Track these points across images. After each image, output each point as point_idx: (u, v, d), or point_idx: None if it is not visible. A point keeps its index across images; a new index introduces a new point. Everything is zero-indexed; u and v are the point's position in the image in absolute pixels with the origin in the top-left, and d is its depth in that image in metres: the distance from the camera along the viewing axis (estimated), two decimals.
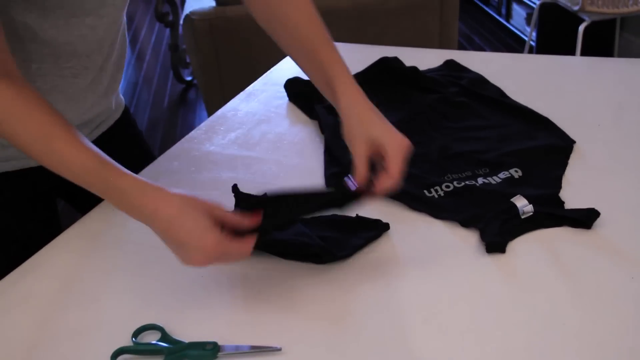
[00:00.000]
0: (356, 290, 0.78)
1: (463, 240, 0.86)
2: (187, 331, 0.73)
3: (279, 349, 0.69)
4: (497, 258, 0.82)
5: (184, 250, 0.71)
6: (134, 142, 1.19)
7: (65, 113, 0.91)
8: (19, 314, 0.78)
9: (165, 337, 0.72)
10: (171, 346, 0.71)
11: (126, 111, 1.14)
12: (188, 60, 3.58)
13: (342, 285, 0.79)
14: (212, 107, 2.35)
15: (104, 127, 1.07)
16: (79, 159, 0.73)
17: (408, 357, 0.68)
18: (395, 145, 0.77)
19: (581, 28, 3.01)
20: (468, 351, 0.68)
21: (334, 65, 0.84)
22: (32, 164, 0.93)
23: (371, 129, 0.79)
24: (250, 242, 0.73)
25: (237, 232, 0.73)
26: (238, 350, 0.70)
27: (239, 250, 0.73)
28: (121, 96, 1.12)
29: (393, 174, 0.77)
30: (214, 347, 0.70)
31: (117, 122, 1.11)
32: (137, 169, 1.01)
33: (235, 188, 0.89)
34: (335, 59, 0.85)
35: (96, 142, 1.03)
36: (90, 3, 0.84)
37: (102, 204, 0.99)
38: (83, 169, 0.74)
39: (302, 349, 0.70)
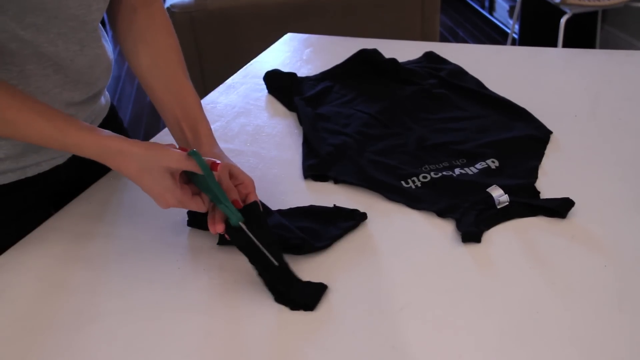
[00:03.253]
0: (334, 280, 0.78)
1: (439, 230, 0.86)
2: (164, 318, 0.73)
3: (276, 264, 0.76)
4: (473, 247, 0.83)
5: (151, 196, 0.79)
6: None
7: None
8: None
9: None
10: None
11: (112, 107, 1.13)
12: None
13: (320, 275, 0.79)
14: None
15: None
16: (35, 129, 0.77)
17: (385, 345, 0.68)
18: (250, 181, 0.84)
19: (563, 20, 3.03)
20: (443, 339, 0.69)
21: (197, 105, 0.92)
22: (29, 173, 0.92)
23: (230, 165, 0.85)
24: (206, 202, 0.80)
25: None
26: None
27: (196, 207, 0.80)
28: (106, 92, 1.11)
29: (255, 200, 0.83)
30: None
31: (104, 120, 1.10)
32: None
33: None
34: (196, 99, 0.93)
35: None
36: (76, 8, 0.83)
37: (77, 199, 0.98)
38: (41, 138, 0.78)
39: (280, 339, 0.70)
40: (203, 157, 0.77)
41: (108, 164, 0.78)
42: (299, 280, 0.78)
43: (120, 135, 0.79)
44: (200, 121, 0.91)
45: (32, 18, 0.79)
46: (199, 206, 0.80)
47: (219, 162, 0.79)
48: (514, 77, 1.31)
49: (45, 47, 0.83)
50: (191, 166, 0.76)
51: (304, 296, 0.75)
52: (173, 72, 0.93)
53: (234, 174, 0.84)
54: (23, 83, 0.84)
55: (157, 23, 0.95)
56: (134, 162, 0.77)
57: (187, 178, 0.81)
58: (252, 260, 0.78)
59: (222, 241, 0.85)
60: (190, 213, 0.90)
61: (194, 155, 0.76)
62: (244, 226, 0.77)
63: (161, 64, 0.93)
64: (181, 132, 0.91)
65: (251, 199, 0.82)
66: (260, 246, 0.76)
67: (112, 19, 0.96)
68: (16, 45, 0.80)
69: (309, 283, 0.77)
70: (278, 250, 0.78)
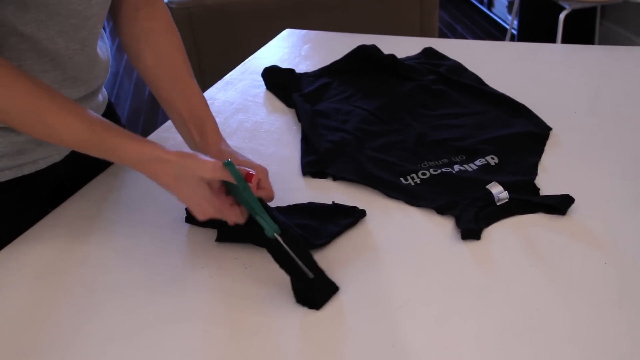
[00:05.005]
0: (333, 277, 0.77)
1: (439, 227, 0.86)
2: (159, 320, 0.73)
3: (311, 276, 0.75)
4: (473, 245, 0.82)
5: (189, 205, 0.79)
6: None
7: None
8: None
9: None
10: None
11: (109, 104, 1.12)
12: None
13: None
14: None
15: None
16: (73, 132, 0.76)
17: (384, 343, 0.68)
18: (262, 171, 0.84)
19: (562, 16, 3.02)
20: (443, 336, 0.69)
21: (203, 105, 0.92)
22: (26, 171, 0.91)
23: (239, 160, 0.86)
24: (244, 213, 0.79)
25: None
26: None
27: (234, 218, 0.78)
28: (104, 89, 1.10)
29: (269, 189, 0.84)
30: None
31: (102, 116, 1.09)
32: None
33: None
34: (202, 99, 0.93)
35: None
36: (77, 3, 0.82)
37: (74, 197, 0.98)
38: (78, 142, 0.77)
39: (278, 336, 0.70)
40: (237, 167, 0.76)
41: (144, 171, 0.78)
42: (332, 284, 0.77)
43: (156, 143, 0.78)
44: (206, 119, 0.90)
45: (34, 14, 0.78)
46: (237, 216, 0.79)
47: (253, 172, 0.78)
48: (514, 73, 1.30)
49: (45, 43, 0.82)
50: (225, 176, 0.76)
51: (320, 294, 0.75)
52: (177, 73, 0.93)
53: (242, 163, 0.84)
54: None
55: (159, 23, 0.95)
56: (171, 170, 0.76)
57: (228, 189, 0.80)
58: (287, 271, 0.76)
59: (220, 238, 0.85)
60: (188, 209, 0.89)
61: (228, 165, 0.75)
62: (279, 238, 0.75)
63: (165, 64, 0.93)
64: (188, 132, 0.91)
65: (263, 185, 0.82)
66: (296, 258, 0.75)
67: (115, 19, 0.96)
68: (15, 40, 0.80)
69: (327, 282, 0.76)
70: (313, 262, 0.77)
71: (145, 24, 0.94)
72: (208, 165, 0.76)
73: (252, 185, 0.78)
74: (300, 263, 0.75)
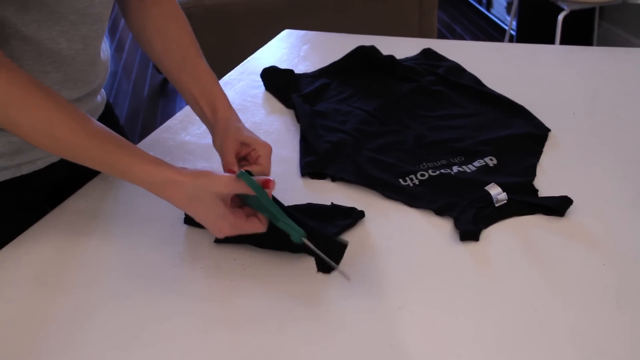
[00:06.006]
0: (331, 278, 0.77)
1: (437, 229, 0.86)
2: (158, 320, 0.73)
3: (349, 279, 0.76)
4: (471, 246, 0.82)
5: (206, 226, 0.78)
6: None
7: None
8: None
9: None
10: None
11: (108, 105, 1.12)
12: None
13: (317, 273, 0.79)
14: None
15: None
16: (85, 149, 0.76)
17: (382, 344, 0.68)
18: (264, 147, 0.85)
19: (560, 17, 3.02)
20: (441, 337, 0.69)
21: (214, 82, 0.93)
22: (24, 171, 0.91)
23: (243, 135, 0.87)
24: (263, 221, 0.77)
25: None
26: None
27: (254, 229, 0.77)
28: (102, 90, 1.10)
29: (265, 165, 0.85)
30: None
31: (100, 117, 1.09)
32: None
33: None
34: (213, 77, 0.94)
35: None
36: (78, 1, 0.82)
37: (72, 197, 0.98)
38: (90, 159, 0.77)
39: (278, 338, 0.70)
40: (253, 177, 0.75)
41: (157, 193, 0.77)
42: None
43: (168, 164, 0.77)
44: (216, 95, 0.91)
45: (34, 14, 0.78)
46: (257, 227, 0.77)
47: (271, 178, 0.77)
48: (512, 74, 1.30)
49: (47, 44, 0.82)
50: (241, 188, 0.75)
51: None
52: (185, 53, 0.95)
53: (246, 142, 0.85)
54: None
55: (165, 8, 0.97)
56: (184, 191, 0.75)
57: (240, 201, 0.79)
58: (319, 268, 0.78)
59: (219, 239, 0.85)
60: None
61: (242, 176, 0.74)
62: (307, 242, 0.75)
63: (173, 47, 0.95)
64: (201, 110, 0.92)
65: (262, 162, 0.83)
66: (325, 258, 0.75)
67: (125, 12, 0.98)
68: (17, 42, 0.79)
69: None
70: (340, 255, 0.77)
71: (151, 12, 0.96)
72: (222, 181, 0.74)
73: (270, 190, 0.77)
74: (329, 260, 0.75)
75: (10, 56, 0.80)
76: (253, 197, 0.76)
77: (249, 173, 0.76)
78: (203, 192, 0.74)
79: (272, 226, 0.82)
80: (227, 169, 0.84)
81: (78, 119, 0.76)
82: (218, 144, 0.88)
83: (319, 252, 0.75)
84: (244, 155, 0.87)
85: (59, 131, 0.75)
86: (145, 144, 1.11)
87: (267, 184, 0.77)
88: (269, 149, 0.85)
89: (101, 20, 0.89)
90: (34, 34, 0.80)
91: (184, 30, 0.96)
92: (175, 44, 0.95)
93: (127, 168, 0.76)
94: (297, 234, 0.75)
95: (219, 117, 0.90)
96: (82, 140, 0.76)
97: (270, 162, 0.85)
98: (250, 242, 0.83)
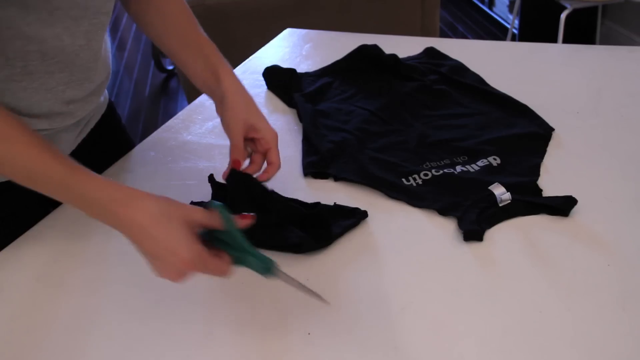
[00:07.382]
0: (335, 278, 0.77)
1: (441, 229, 0.86)
2: (161, 321, 0.72)
3: (328, 303, 0.70)
4: (475, 246, 0.82)
5: (157, 263, 0.67)
6: (117, 133, 1.17)
7: (57, 113, 0.89)
8: None
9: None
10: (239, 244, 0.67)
11: (110, 104, 1.12)
12: None
13: (320, 273, 0.78)
14: (193, 96, 2.32)
15: (92, 124, 1.05)
16: (43, 169, 0.69)
17: (386, 344, 0.68)
18: (272, 136, 0.86)
19: (563, 16, 3.02)
20: (445, 339, 0.68)
21: (215, 52, 0.91)
22: None
23: (252, 116, 0.86)
24: (229, 263, 0.68)
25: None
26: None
27: (218, 269, 0.67)
28: (105, 90, 1.10)
29: (276, 162, 0.86)
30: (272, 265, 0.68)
31: (103, 116, 1.09)
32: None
33: (211, 178, 0.88)
34: (214, 48, 0.92)
35: (84, 139, 1.02)
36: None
37: None
38: (48, 180, 0.70)
39: (280, 338, 0.70)
40: (230, 214, 0.68)
41: (117, 210, 0.66)
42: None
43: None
44: (218, 65, 0.90)
45: (36, 13, 0.78)
46: (222, 269, 0.68)
47: (250, 214, 0.71)
48: (515, 73, 1.30)
49: (51, 42, 0.82)
50: (215, 222, 0.68)
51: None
52: (185, 29, 0.95)
53: (255, 127, 0.85)
54: (27, 79, 0.82)
55: None
56: (149, 208, 0.66)
57: (202, 239, 0.69)
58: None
59: None
60: None
61: (222, 213, 0.67)
62: (279, 270, 0.69)
63: (173, 25, 0.95)
64: (204, 83, 0.91)
65: (270, 156, 0.84)
66: (304, 285, 0.70)
67: (124, 1, 0.98)
68: (21, 42, 0.79)
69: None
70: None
71: None
72: (197, 209, 0.68)
73: (248, 224, 0.70)
74: (304, 285, 0.70)
75: (15, 57, 0.80)
76: (221, 233, 0.69)
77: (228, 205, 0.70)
78: (176, 211, 0.66)
79: (272, 227, 0.82)
80: (233, 155, 0.84)
81: (35, 140, 0.70)
82: (225, 122, 0.87)
83: (295, 279, 0.70)
84: (252, 138, 0.87)
85: (15, 148, 0.69)
86: (146, 143, 1.11)
87: (243, 220, 0.70)
88: (276, 137, 0.85)
89: (102, 13, 0.89)
90: (37, 32, 0.79)
91: (181, 9, 0.96)
92: (174, 22, 0.95)
93: (85, 184, 0.68)
94: (264, 268, 0.68)
95: (223, 88, 0.88)
96: (40, 161, 0.69)
97: (278, 154, 0.85)
98: (251, 242, 0.82)
